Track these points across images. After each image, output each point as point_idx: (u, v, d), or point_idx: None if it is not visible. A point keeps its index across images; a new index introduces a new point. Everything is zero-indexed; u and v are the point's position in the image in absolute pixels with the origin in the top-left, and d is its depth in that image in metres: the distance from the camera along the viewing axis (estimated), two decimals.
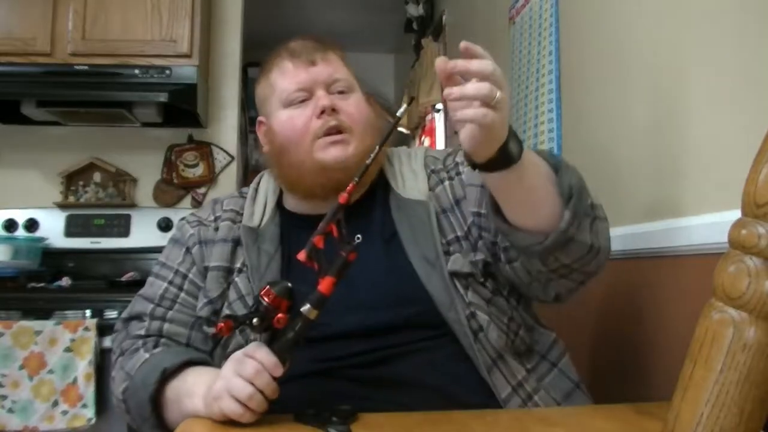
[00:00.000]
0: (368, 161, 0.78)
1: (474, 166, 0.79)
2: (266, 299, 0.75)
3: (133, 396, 0.89)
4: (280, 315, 0.74)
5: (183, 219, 1.08)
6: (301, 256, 0.75)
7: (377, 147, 0.79)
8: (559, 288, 0.91)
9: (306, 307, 0.75)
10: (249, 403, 0.73)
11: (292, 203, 1.05)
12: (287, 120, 0.98)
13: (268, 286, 0.76)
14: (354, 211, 0.97)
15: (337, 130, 0.96)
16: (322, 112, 0.96)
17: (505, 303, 0.96)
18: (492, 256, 0.95)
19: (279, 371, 0.74)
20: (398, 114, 0.80)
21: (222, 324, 0.77)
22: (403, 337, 0.90)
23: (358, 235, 0.75)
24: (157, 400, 0.86)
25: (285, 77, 1.00)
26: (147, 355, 0.91)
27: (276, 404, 0.78)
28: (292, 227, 1.02)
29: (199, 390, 0.81)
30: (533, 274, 0.90)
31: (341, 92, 1.00)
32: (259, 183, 1.09)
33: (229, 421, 0.76)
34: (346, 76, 1.01)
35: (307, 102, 0.98)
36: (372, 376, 0.88)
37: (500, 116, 0.71)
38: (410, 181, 1.02)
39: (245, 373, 0.74)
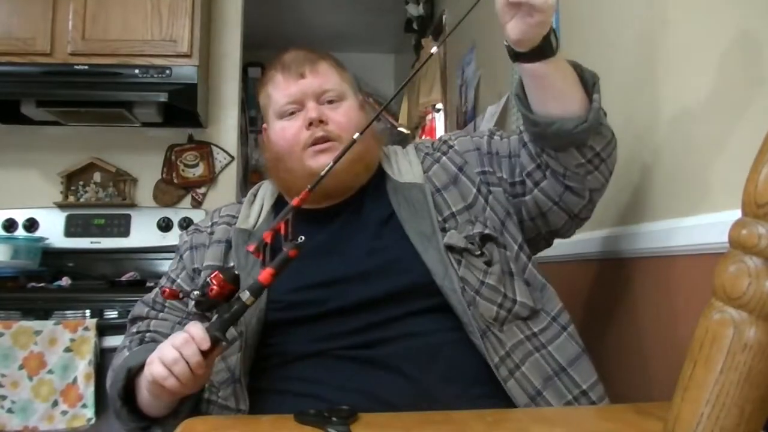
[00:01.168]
0: (322, 173, 0.85)
1: (516, 57, 0.90)
2: (213, 282, 0.82)
3: (110, 391, 0.97)
4: (214, 287, 0.82)
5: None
6: (251, 247, 0.83)
7: (331, 162, 0.87)
8: (593, 182, 0.99)
9: (245, 294, 0.82)
10: (173, 368, 0.80)
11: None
12: (280, 131, 1.05)
13: (217, 271, 0.83)
14: (347, 207, 1.05)
15: (325, 139, 1.02)
16: (310, 124, 1.02)
17: (500, 270, 0.98)
18: (512, 198, 1.02)
19: (206, 345, 0.81)
20: (354, 137, 0.88)
21: (166, 289, 0.88)
22: (399, 309, 0.94)
23: (302, 236, 0.82)
24: (129, 393, 0.93)
25: (277, 90, 1.07)
26: (127, 353, 0.99)
27: (280, 386, 0.87)
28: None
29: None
30: (568, 175, 0.98)
31: (331, 102, 1.05)
32: (258, 189, 1.17)
33: (229, 420, 0.76)
34: (336, 85, 1.06)
35: (298, 113, 1.05)
36: (369, 355, 0.92)
37: (550, 4, 0.83)
38: (405, 167, 1.09)
39: (175, 342, 0.82)
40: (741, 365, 0.45)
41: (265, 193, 1.14)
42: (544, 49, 0.89)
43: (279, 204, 1.11)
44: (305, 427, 0.74)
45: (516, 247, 1.02)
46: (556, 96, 0.93)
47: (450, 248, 0.97)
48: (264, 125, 1.13)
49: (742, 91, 0.90)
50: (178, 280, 1.08)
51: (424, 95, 3.04)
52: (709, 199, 0.95)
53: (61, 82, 2.27)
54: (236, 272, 0.84)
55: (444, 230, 0.99)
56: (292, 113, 1.04)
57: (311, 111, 1.02)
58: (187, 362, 0.80)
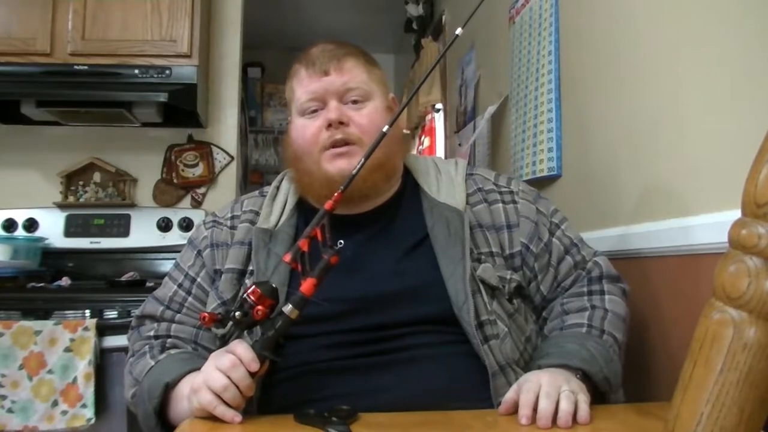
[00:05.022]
0: (354, 171, 0.83)
1: None
2: (252, 298, 0.78)
3: (140, 405, 0.92)
4: (259, 307, 0.78)
5: (203, 220, 1.12)
6: (286, 258, 0.79)
7: (362, 159, 0.84)
8: None
9: (288, 307, 0.78)
10: (223, 395, 0.76)
11: (313, 201, 1.06)
12: (300, 129, 1.00)
13: (254, 286, 0.79)
14: (381, 214, 1.01)
15: (344, 142, 0.97)
16: (330, 125, 0.97)
17: (525, 323, 0.98)
18: (527, 285, 1.01)
19: (255, 366, 0.77)
20: (383, 129, 0.85)
21: (206, 314, 0.82)
22: (417, 331, 0.91)
23: (341, 241, 0.80)
24: (162, 408, 0.89)
25: (300, 86, 1.01)
26: (152, 363, 0.94)
27: (274, 388, 0.84)
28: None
29: (186, 390, 0.84)
30: None
31: (355, 102, 1.00)
32: (281, 181, 1.10)
33: (228, 422, 0.76)
34: (361, 84, 1.00)
35: (320, 112, 0.99)
36: (371, 363, 0.89)
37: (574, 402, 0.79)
38: (446, 188, 1.03)
39: (222, 365, 0.77)
40: (741, 365, 0.45)
41: (288, 187, 1.08)
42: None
43: (302, 202, 1.06)
44: (305, 427, 0.74)
45: (532, 321, 1.01)
46: None
47: (482, 281, 0.94)
48: (289, 118, 1.07)
49: (742, 90, 0.90)
50: (199, 279, 1.02)
51: (424, 95, 3.04)
52: (709, 199, 0.95)
53: (61, 82, 2.26)
54: (274, 285, 0.81)
55: (478, 261, 0.96)
56: (314, 111, 0.99)
57: (332, 111, 0.97)
58: (237, 386, 0.76)
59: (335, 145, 0.97)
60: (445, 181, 1.04)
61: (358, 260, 0.95)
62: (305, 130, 0.99)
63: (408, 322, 0.91)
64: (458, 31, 0.86)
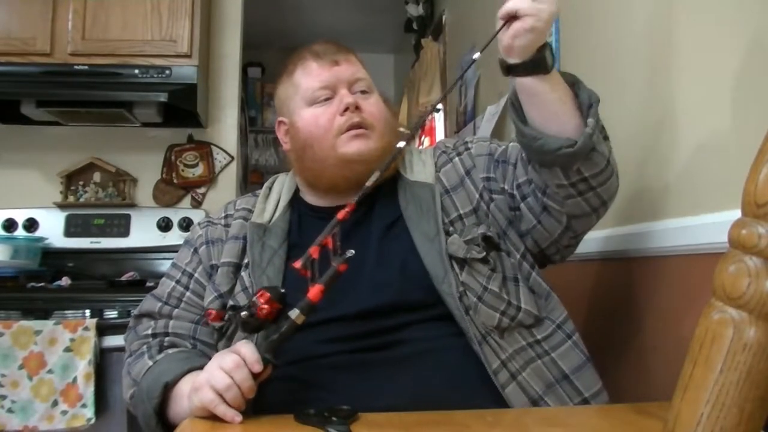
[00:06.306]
0: (368, 183, 0.83)
1: (509, 70, 0.87)
2: (261, 300, 0.79)
3: (140, 405, 0.93)
4: (264, 306, 0.79)
5: (198, 222, 1.15)
6: (297, 264, 0.80)
7: (378, 172, 0.84)
8: (573, 208, 0.94)
9: (294, 312, 0.79)
10: (225, 395, 0.76)
11: (310, 197, 1.09)
12: (311, 117, 1.02)
13: (263, 290, 0.81)
14: (358, 207, 1.01)
15: (360, 125, 1.00)
16: (346, 109, 1.00)
17: (502, 283, 0.96)
18: (509, 209, 1.00)
19: (258, 367, 0.78)
20: (398, 146, 0.86)
21: (213, 311, 0.84)
22: (403, 317, 0.93)
23: (351, 250, 0.80)
24: (162, 408, 0.90)
25: (309, 76, 1.04)
26: (150, 363, 0.95)
27: (273, 386, 0.84)
28: (309, 218, 1.05)
29: (187, 389, 0.84)
30: (548, 192, 0.93)
31: (363, 92, 1.04)
32: (273, 183, 1.14)
33: (227, 422, 0.76)
34: (366, 76, 1.07)
35: (331, 100, 1.03)
36: (370, 359, 0.90)
37: (545, 11, 0.81)
38: (418, 167, 1.07)
39: (225, 365, 0.78)
40: (741, 365, 0.45)
41: (281, 186, 1.11)
42: (537, 63, 0.85)
43: (296, 199, 1.09)
44: (305, 427, 0.74)
45: (518, 255, 1.00)
46: (549, 115, 0.88)
47: (451, 256, 0.95)
48: (281, 119, 1.09)
49: (742, 90, 0.90)
50: (196, 275, 1.05)
51: (424, 95, 3.04)
52: (709, 199, 0.95)
53: (61, 82, 2.27)
54: (282, 290, 0.82)
55: (448, 233, 0.97)
56: (326, 99, 1.02)
57: (347, 97, 1.01)
58: (239, 387, 0.77)
59: (352, 127, 1.00)
60: (417, 162, 1.08)
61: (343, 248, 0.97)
62: (318, 117, 1.02)
63: (395, 304, 0.93)
64: (476, 55, 0.88)
